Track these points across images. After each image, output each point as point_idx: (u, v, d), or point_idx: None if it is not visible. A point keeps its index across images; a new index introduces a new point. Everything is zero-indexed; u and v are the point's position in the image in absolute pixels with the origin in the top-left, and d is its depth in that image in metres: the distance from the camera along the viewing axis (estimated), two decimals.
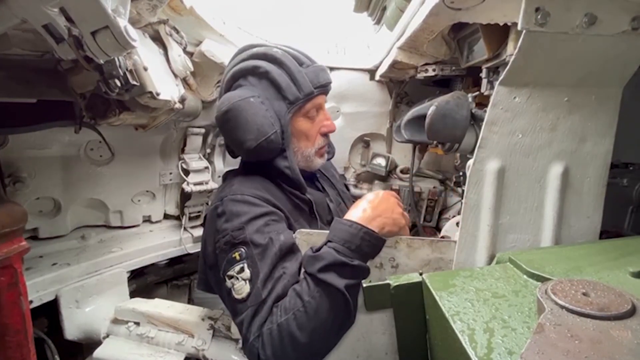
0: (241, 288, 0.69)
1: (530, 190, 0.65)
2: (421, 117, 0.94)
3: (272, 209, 0.79)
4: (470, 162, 0.66)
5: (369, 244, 0.68)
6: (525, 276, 0.51)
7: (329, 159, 1.09)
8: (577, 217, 0.66)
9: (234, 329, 0.72)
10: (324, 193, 1.02)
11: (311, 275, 0.66)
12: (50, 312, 0.97)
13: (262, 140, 0.83)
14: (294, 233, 0.76)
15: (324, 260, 0.65)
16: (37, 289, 0.92)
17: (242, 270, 0.70)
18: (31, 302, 0.82)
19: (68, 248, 1.12)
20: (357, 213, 0.72)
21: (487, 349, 0.38)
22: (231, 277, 0.70)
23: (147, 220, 1.34)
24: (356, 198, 0.94)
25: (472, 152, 0.80)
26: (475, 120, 0.84)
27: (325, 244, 0.68)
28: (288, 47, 0.93)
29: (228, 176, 0.94)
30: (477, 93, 0.90)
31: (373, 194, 0.77)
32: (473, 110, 0.84)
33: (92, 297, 1.02)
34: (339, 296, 0.64)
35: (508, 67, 0.59)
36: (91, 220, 1.21)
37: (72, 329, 0.97)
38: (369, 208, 0.73)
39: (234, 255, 0.72)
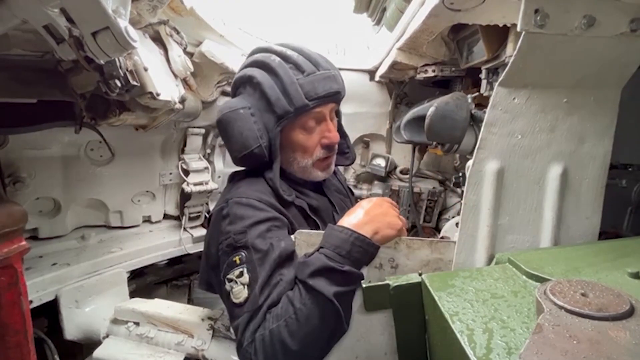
0: (239, 292, 0.69)
1: (530, 191, 0.65)
2: (421, 118, 0.94)
3: (276, 215, 0.79)
4: (469, 163, 0.67)
5: (360, 249, 0.67)
6: (524, 277, 0.52)
7: (349, 164, 1.07)
8: (576, 218, 0.67)
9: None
10: (331, 200, 1.00)
11: (302, 282, 0.66)
12: (50, 312, 0.97)
13: (246, 152, 0.84)
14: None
15: (313, 265, 0.65)
16: (37, 289, 0.92)
17: (241, 274, 0.70)
18: (31, 302, 0.82)
19: (68, 248, 1.12)
20: (349, 219, 0.72)
21: (486, 349, 0.38)
22: (230, 280, 0.70)
23: (147, 220, 1.34)
24: (357, 200, 0.95)
25: (471, 153, 0.80)
26: (475, 121, 0.85)
27: (317, 250, 0.68)
28: (296, 50, 0.87)
29: (235, 177, 0.94)
30: (477, 94, 0.90)
31: (367, 201, 0.76)
32: (472, 111, 0.84)
33: (91, 297, 1.02)
34: (328, 305, 0.63)
35: (507, 68, 0.59)
36: (91, 221, 1.21)
37: (71, 329, 0.97)
38: (362, 214, 0.72)
39: (234, 259, 0.72)
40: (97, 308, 0.94)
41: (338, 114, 0.98)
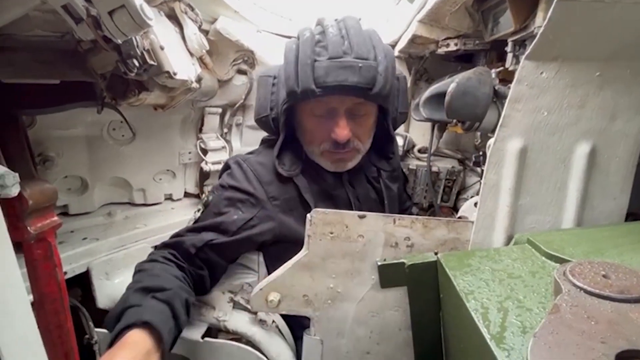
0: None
1: (554, 171, 0.63)
2: (441, 95, 0.91)
3: (251, 193, 0.87)
4: (490, 142, 0.64)
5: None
6: (543, 257, 0.51)
7: (390, 171, 1.02)
8: (602, 198, 0.64)
9: (252, 302, 0.75)
10: (351, 191, 0.97)
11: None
12: (83, 283, 1.03)
13: (258, 118, 0.94)
14: (272, 221, 0.87)
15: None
16: (70, 262, 0.98)
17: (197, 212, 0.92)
18: (65, 273, 0.88)
19: (96, 224, 1.17)
20: None
21: (500, 328, 0.38)
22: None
23: (169, 198, 1.38)
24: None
25: (493, 131, 0.77)
26: (498, 98, 0.81)
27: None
28: (341, 29, 0.80)
29: (261, 143, 1.03)
30: (501, 68, 0.86)
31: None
32: (496, 87, 0.81)
33: (120, 270, 1.08)
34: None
35: (536, 39, 0.56)
36: (116, 198, 1.26)
37: (103, 299, 1.04)
38: None
39: (204, 202, 0.92)
40: (125, 280, 0.99)
41: (384, 113, 0.92)
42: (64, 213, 1.12)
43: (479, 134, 1.07)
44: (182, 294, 0.71)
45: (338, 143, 0.85)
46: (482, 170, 0.70)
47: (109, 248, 1.08)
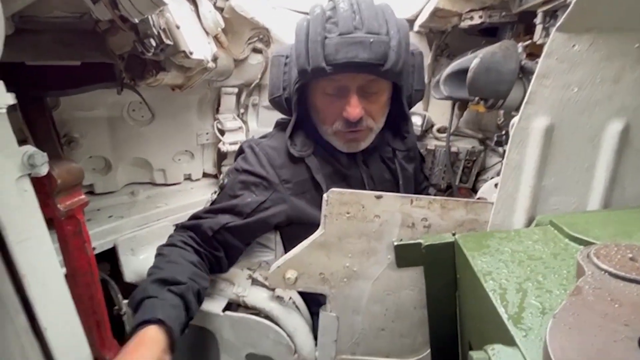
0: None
1: (581, 150, 0.60)
2: (463, 71, 0.87)
3: (264, 177, 0.88)
4: (514, 120, 0.62)
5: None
6: (566, 240, 0.49)
7: (405, 150, 1.00)
8: (633, 179, 0.61)
9: (270, 279, 0.77)
10: (365, 171, 0.96)
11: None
12: (111, 259, 1.09)
13: (271, 98, 0.94)
14: (285, 204, 0.88)
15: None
16: (98, 238, 1.03)
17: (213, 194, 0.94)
18: (94, 248, 0.93)
19: (120, 203, 1.22)
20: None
21: (518, 308, 0.38)
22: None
23: (188, 178, 1.42)
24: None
25: (517, 109, 0.74)
26: (524, 73, 0.77)
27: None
28: (353, 3, 0.78)
29: (275, 126, 1.02)
30: (529, 42, 0.81)
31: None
32: (522, 62, 0.76)
33: (144, 247, 1.13)
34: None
35: (569, 9, 0.52)
36: (138, 178, 1.31)
37: (130, 274, 1.10)
38: None
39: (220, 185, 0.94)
40: (149, 256, 1.03)
41: (398, 90, 0.89)
42: (90, 192, 1.17)
43: (502, 112, 1.03)
44: (194, 286, 0.76)
45: (350, 122, 0.83)
46: (504, 150, 0.67)
47: (133, 226, 1.13)
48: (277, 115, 1.05)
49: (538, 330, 0.34)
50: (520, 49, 0.78)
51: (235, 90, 1.35)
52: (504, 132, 0.93)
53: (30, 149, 0.49)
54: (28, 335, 0.56)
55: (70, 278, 0.60)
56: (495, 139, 0.97)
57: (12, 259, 0.48)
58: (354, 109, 0.81)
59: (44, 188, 0.54)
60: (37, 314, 0.52)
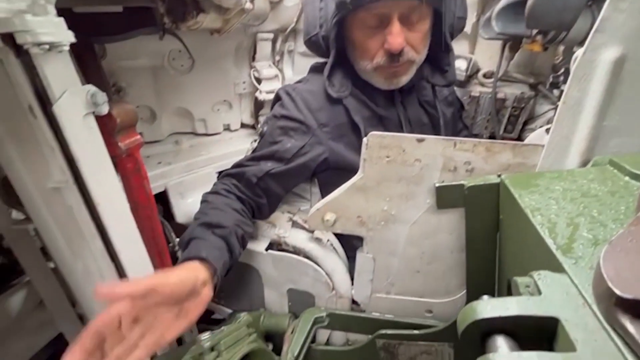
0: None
1: None
2: (519, 4, 0.79)
3: (302, 121, 0.88)
4: (578, 53, 0.56)
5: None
6: (627, 177, 0.46)
7: (446, 85, 0.96)
8: None
9: (310, 221, 0.81)
10: (403, 112, 0.94)
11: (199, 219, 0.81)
12: (163, 202, 1.19)
13: (307, 39, 0.91)
14: (323, 147, 0.88)
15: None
16: (151, 182, 1.11)
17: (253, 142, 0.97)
18: None
19: (166, 151, 1.29)
20: None
21: (568, 240, 0.37)
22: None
23: (227, 128, 1.46)
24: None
25: (581, 43, 0.67)
26: (594, 0, 0.68)
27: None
28: None
29: (309, 71, 1.02)
30: None
31: None
32: None
33: (191, 191, 1.21)
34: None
35: None
36: (181, 128, 1.36)
37: (180, 215, 1.19)
38: None
39: (260, 132, 0.95)
40: (196, 200, 1.11)
41: (438, 19, 0.83)
42: None
43: (561, 49, 0.93)
44: (238, 231, 0.80)
45: (392, 55, 0.80)
46: (560, 93, 0.62)
47: (180, 172, 1.21)
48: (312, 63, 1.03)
49: (589, 259, 0.34)
50: None
51: (271, 36, 1.32)
52: (561, 72, 0.85)
53: (92, 88, 0.52)
54: (105, 258, 0.64)
55: (133, 211, 0.66)
56: (550, 79, 0.89)
57: (87, 189, 0.54)
58: (395, 38, 0.77)
59: (105, 127, 0.58)
60: (111, 238, 0.60)
